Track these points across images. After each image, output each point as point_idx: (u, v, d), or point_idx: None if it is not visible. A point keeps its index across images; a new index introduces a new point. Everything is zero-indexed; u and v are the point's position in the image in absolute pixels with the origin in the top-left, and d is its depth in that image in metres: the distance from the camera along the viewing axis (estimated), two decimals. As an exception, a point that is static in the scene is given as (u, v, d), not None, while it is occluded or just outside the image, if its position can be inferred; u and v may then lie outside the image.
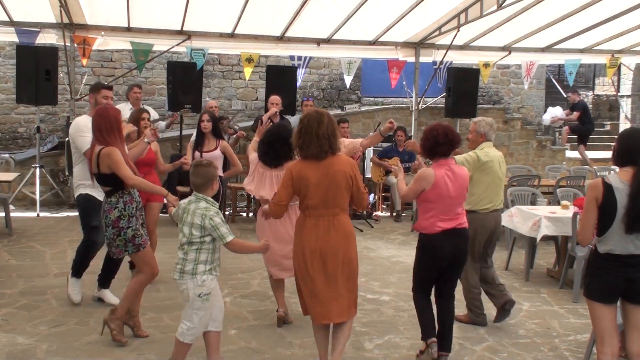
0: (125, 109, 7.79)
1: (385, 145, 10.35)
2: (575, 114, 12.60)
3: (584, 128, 12.71)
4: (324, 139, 3.88)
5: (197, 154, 6.52)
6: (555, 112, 13.28)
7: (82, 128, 5.23)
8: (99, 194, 5.04)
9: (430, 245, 4.25)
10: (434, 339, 4.36)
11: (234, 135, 8.06)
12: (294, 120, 9.21)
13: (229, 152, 6.64)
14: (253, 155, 5.20)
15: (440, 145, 4.27)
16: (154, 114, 8.88)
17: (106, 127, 4.49)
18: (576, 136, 12.88)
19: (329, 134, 3.89)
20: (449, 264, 4.29)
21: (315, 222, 3.91)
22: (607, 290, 3.52)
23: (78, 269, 5.46)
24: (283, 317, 5.02)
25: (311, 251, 3.90)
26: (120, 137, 4.61)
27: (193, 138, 6.89)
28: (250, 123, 10.08)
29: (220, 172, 7.95)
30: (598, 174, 10.39)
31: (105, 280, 5.45)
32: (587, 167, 11.74)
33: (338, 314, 3.92)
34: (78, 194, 5.40)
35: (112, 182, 4.50)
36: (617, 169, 3.61)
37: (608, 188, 3.46)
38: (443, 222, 4.22)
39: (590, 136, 15.77)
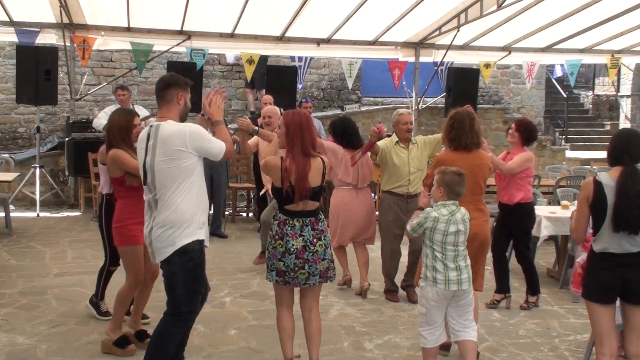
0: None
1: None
2: None
3: None
4: (475, 133, 4.48)
5: None
6: None
7: (204, 130, 3.56)
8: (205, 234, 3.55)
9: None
10: (510, 294, 5.60)
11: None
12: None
13: None
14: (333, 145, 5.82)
15: (533, 134, 5.62)
16: (144, 112, 8.88)
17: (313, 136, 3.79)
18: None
19: (477, 130, 4.51)
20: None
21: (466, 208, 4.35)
22: (604, 290, 3.53)
23: None
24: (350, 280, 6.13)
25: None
26: None
27: None
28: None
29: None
30: (597, 174, 10.39)
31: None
32: (587, 167, 11.74)
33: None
34: (192, 239, 3.41)
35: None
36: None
37: (598, 185, 3.51)
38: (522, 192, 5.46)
39: (591, 136, 15.86)
